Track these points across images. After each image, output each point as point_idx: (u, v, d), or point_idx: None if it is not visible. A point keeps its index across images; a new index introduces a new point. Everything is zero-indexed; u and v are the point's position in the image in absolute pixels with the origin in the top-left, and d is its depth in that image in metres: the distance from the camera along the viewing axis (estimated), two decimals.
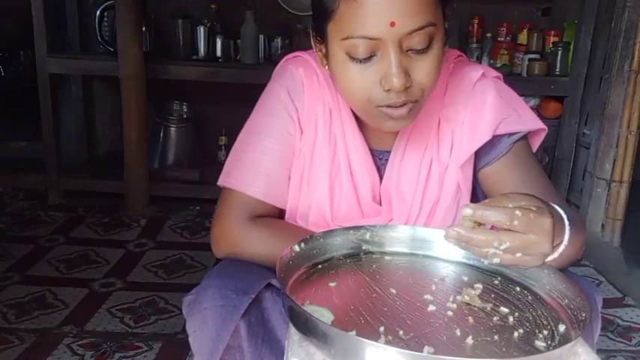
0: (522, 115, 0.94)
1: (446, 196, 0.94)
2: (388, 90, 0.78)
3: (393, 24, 0.75)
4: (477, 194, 0.99)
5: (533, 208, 0.67)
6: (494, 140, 0.92)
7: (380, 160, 0.97)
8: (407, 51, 0.78)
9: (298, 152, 0.94)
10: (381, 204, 0.96)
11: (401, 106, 0.80)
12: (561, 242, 0.74)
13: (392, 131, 0.91)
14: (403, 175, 0.94)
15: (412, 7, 0.75)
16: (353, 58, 0.79)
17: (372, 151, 0.96)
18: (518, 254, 0.67)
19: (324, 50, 0.86)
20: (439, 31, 0.80)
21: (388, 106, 0.80)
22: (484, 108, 0.92)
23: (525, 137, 0.94)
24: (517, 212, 0.65)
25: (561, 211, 0.75)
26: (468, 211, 0.66)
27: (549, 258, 0.73)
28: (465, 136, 0.93)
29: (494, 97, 0.93)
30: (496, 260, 0.67)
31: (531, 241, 0.66)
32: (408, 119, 0.84)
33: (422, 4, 0.76)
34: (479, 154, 0.94)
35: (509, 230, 0.66)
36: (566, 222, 0.75)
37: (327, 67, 0.88)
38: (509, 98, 0.95)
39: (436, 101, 0.93)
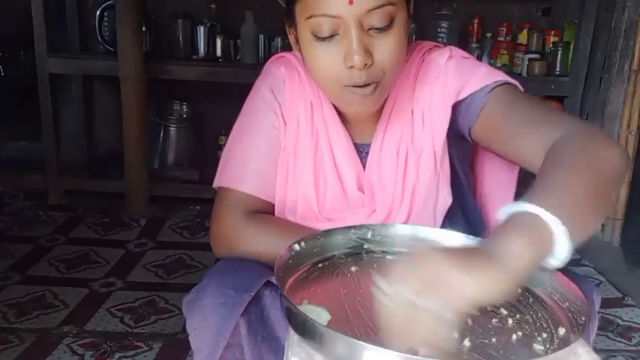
0: (489, 72, 0.92)
1: (423, 180, 0.94)
2: (351, 67, 0.81)
3: (351, 2, 0.79)
4: (458, 175, 0.99)
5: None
6: (469, 102, 0.91)
7: (362, 152, 0.98)
8: (368, 30, 0.81)
9: (284, 147, 0.97)
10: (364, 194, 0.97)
11: (364, 86, 0.83)
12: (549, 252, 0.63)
13: (361, 115, 0.92)
14: (383, 165, 0.96)
15: None
16: (318, 37, 0.83)
17: (355, 145, 0.98)
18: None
19: (295, 34, 0.90)
20: (400, 12, 0.83)
21: (353, 86, 0.83)
22: (447, 78, 0.93)
23: (504, 85, 0.90)
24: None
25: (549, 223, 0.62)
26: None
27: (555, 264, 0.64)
28: (434, 113, 0.93)
29: (454, 66, 0.94)
30: None
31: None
32: (372, 100, 0.86)
33: None
34: (461, 121, 0.93)
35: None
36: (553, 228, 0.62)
37: (299, 52, 0.91)
38: (472, 64, 0.95)
39: (408, 90, 0.94)
